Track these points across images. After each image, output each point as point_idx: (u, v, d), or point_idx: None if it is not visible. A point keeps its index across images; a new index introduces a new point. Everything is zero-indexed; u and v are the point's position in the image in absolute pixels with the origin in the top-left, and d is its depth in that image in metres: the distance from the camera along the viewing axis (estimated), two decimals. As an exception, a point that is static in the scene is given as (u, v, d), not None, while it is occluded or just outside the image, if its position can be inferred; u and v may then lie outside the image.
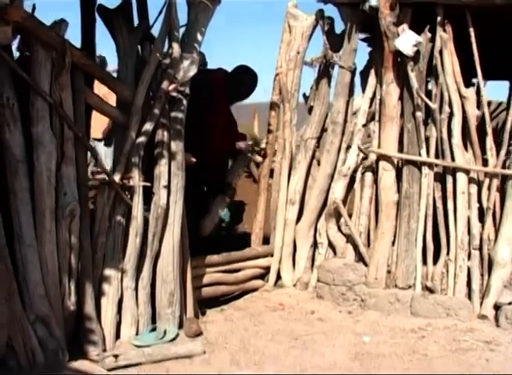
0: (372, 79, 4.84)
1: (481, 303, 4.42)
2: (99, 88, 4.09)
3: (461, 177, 4.55)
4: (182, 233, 4.11)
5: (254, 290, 5.06)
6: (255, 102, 8.30)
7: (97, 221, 3.73)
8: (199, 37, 3.98)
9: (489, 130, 4.52)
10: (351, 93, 5.02)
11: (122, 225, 3.81)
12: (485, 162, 4.57)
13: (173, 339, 3.95)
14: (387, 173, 4.72)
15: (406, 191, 4.68)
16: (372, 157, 4.81)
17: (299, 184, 5.13)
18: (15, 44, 3.60)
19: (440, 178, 4.64)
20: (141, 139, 3.80)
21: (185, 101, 3.97)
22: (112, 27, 3.92)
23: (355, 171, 4.96)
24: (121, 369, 3.53)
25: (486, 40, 4.46)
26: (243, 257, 5.02)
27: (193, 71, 3.90)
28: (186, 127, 4.00)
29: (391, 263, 4.72)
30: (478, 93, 4.62)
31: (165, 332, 3.96)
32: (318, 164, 5.11)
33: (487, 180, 4.54)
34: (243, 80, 5.00)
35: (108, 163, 5.06)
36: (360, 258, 4.85)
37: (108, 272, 3.77)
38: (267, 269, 5.16)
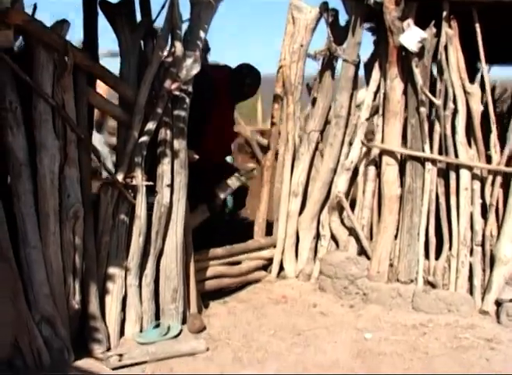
0: (376, 73, 4.79)
1: (483, 299, 4.44)
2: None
3: (464, 173, 4.53)
4: (185, 229, 4.12)
5: (257, 281, 5.07)
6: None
7: (100, 220, 3.75)
8: (202, 34, 3.93)
9: (493, 128, 4.49)
10: (355, 86, 4.97)
11: (126, 224, 3.82)
12: (488, 158, 4.55)
13: (177, 335, 4.00)
14: (390, 167, 4.70)
15: (409, 185, 4.66)
16: (375, 151, 4.80)
17: (302, 176, 5.12)
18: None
19: (443, 174, 4.61)
20: (144, 138, 3.79)
21: (188, 100, 3.94)
22: (114, 24, 3.87)
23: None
24: (125, 368, 3.59)
25: (492, 36, 4.41)
26: (247, 249, 5.02)
27: (196, 69, 3.87)
28: (188, 126, 3.99)
29: (393, 257, 4.72)
30: (483, 89, 4.57)
31: (168, 328, 4.00)
32: (322, 156, 5.10)
33: (490, 177, 4.52)
34: (246, 80, 4.96)
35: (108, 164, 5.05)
36: (362, 251, 4.86)
37: (112, 270, 3.80)
38: (270, 260, 5.18)
